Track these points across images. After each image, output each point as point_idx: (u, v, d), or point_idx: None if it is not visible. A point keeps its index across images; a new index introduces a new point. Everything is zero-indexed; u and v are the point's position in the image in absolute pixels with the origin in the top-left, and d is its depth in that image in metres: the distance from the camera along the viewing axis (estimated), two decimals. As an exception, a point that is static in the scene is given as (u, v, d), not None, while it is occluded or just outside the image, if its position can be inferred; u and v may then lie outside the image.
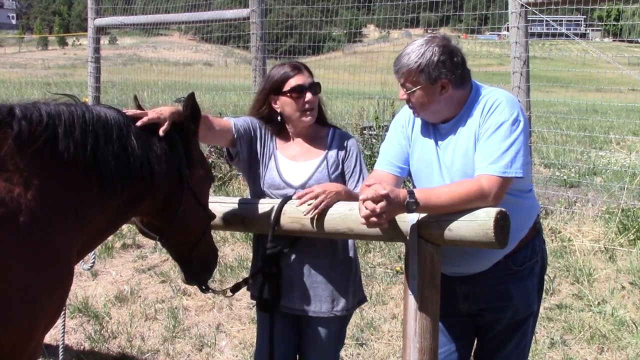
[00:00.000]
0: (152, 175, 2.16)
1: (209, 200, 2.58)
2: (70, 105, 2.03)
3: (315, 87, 2.73)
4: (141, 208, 2.27)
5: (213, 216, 2.56)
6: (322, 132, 2.83)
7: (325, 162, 2.76)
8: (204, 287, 2.65)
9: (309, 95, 2.70)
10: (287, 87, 2.71)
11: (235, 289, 2.78)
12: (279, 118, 2.78)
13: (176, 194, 2.29)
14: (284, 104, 2.74)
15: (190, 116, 2.38)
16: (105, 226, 2.16)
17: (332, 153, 2.78)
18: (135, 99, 2.48)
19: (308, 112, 2.72)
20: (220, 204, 2.79)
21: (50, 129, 1.91)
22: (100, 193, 2.02)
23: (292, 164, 2.78)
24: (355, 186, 2.72)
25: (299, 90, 2.69)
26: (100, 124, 2.05)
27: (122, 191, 2.09)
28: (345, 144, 2.80)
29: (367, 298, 4.80)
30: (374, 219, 2.15)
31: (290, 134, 2.83)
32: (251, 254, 3.10)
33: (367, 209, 2.16)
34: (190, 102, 2.37)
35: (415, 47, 2.38)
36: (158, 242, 2.51)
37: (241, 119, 2.84)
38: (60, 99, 2.08)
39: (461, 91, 2.44)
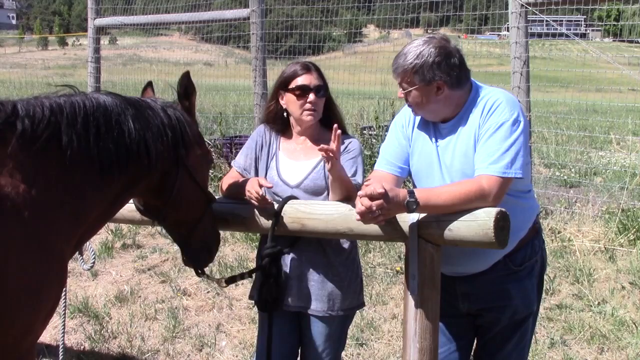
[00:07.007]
0: (148, 156, 2.18)
1: None
2: (71, 96, 2.06)
3: (320, 90, 2.75)
4: (139, 189, 2.28)
5: (213, 199, 2.56)
6: (327, 135, 2.82)
7: (323, 161, 2.76)
8: (199, 271, 2.64)
9: (311, 96, 2.73)
10: (292, 85, 2.76)
11: (230, 280, 2.79)
12: (284, 114, 2.84)
13: (172, 173, 2.31)
14: (288, 101, 2.80)
15: (183, 94, 2.41)
16: (105, 212, 2.19)
17: None
18: (150, 84, 2.58)
19: (309, 112, 2.74)
20: (220, 204, 2.79)
21: (52, 124, 1.94)
22: (100, 179, 2.05)
23: (292, 163, 2.81)
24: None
25: (302, 90, 2.73)
26: (100, 112, 2.07)
27: (120, 175, 2.11)
28: (346, 145, 2.80)
29: (368, 298, 4.86)
30: (369, 215, 2.16)
31: (295, 132, 2.86)
32: (251, 253, 3.10)
33: (362, 205, 2.16)
34: (185, 80, 2.40)
35: (413, 47, 2.39)
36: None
37: (242, 151, 2.93)
38: (60, 91, 2.10)
39: (459, 92, 2.44)
